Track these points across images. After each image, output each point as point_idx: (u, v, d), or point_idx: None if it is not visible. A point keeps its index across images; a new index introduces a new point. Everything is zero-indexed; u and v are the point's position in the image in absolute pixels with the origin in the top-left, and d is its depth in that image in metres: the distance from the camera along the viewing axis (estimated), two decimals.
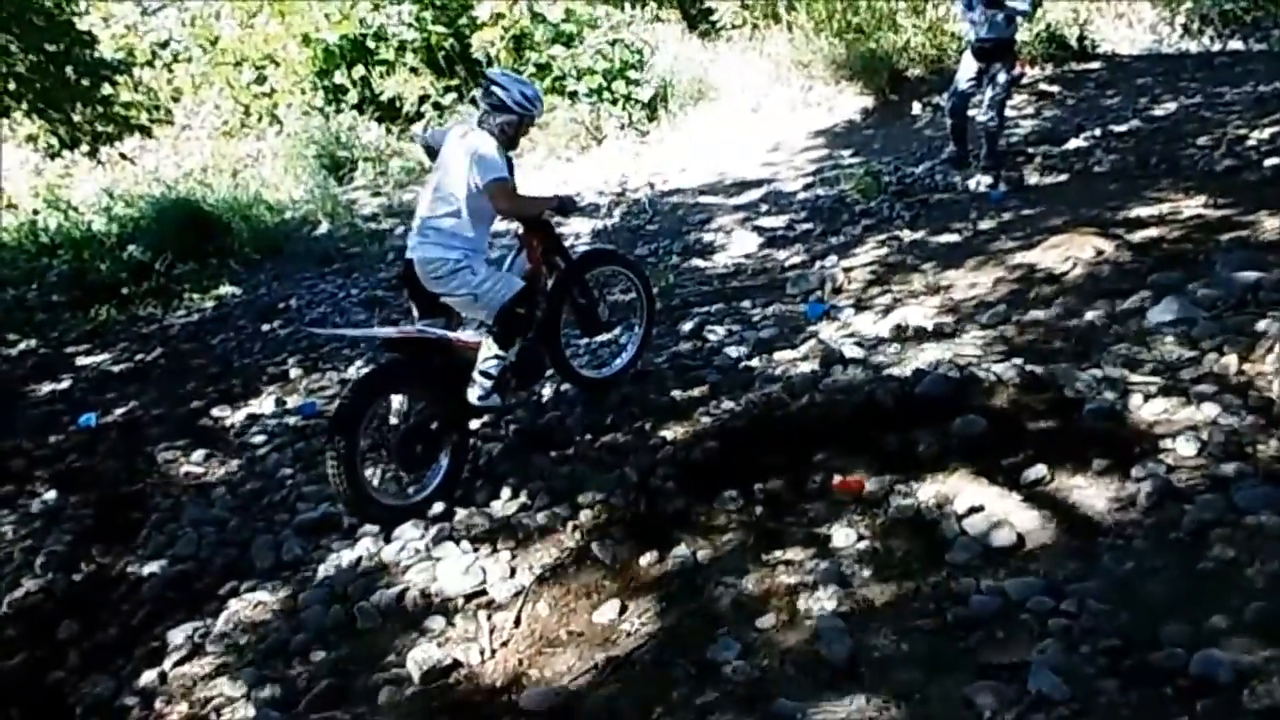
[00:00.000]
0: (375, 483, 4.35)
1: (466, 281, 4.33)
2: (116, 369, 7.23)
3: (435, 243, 4.36)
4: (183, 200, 10.53)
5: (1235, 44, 12.61)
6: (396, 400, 4.40)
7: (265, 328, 7.66)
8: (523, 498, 4.26)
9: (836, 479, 3.90)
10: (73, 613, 4.03)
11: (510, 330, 4.43)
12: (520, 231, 4.84)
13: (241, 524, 4.55)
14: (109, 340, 7.96)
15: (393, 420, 4.40)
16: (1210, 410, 3.80)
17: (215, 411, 6.09)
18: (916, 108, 11.73)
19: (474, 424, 4.84)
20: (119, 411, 6.31)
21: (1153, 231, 6.02)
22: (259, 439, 5.54)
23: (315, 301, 8.13)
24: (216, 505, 4.79)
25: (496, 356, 4.43)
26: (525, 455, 4.71)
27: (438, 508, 4.25)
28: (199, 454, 5.40)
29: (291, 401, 6.02)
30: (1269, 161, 7.07)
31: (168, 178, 12.07)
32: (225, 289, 8.90)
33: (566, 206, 4.87)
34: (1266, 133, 7.92)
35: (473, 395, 4.44)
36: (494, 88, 4.43)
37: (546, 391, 5.41)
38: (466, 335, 4.56)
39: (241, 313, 8.15)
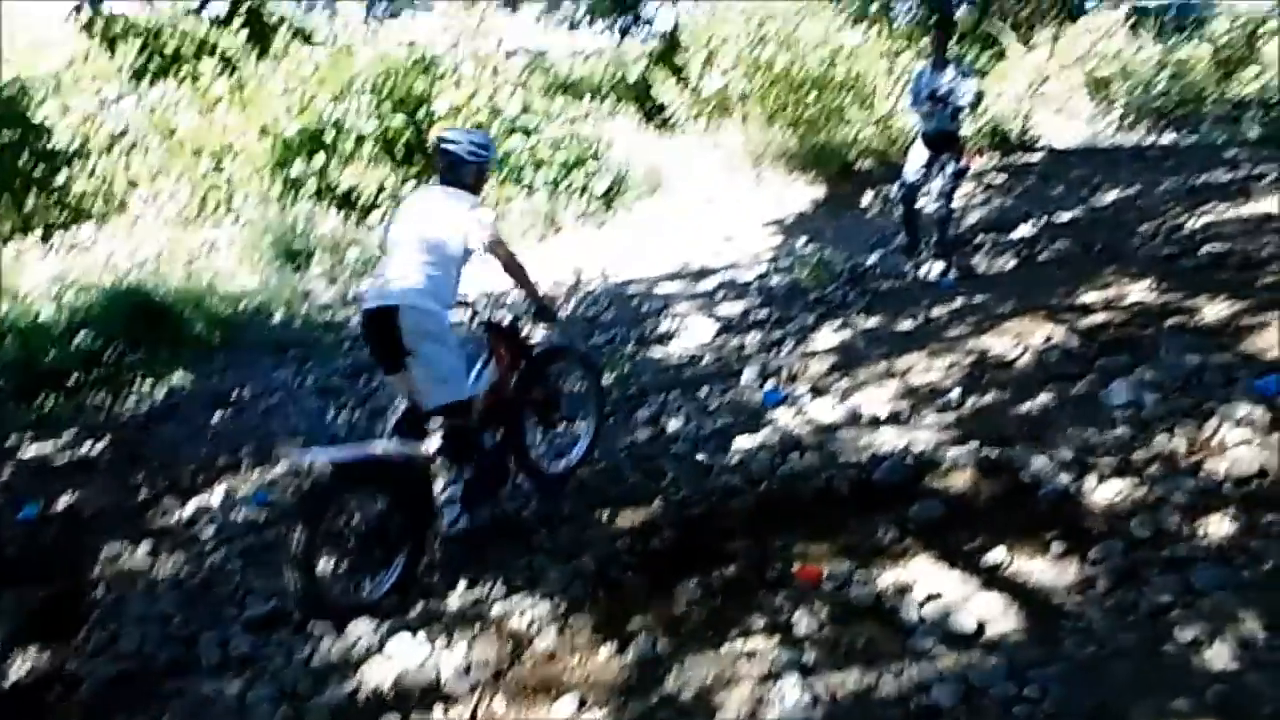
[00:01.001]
0: (328, 580, 4.23)
1: (440, 355, 4.24)
2: (61, 459, 7.05)
3: (424, 293, 4.23)
4: (135, 288, 10.41)
5: (1168, 137, 13.12)
6: (354, 501, 4.30)
7: (217, 418, 7.53)
8: (479, 589, 4.18)
9: (796, 567, 3.88)
10: (8, 715, 3.86)
11: (458, 442, 4.39)
12: (487, 339, 4.80)
13: (188, 619, 4.40)
14: (54, 430, 7.77)
15: (352, 518, 4.30)
16: (1162, 491, 3.85)
17: (164, 503, 5.94)
18: (867, 198, 12.01)
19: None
20: (62, 503, 6.14)
21: (1099, 316, 6.15)
22: (208, 531, 5.40)
23: (269, 390, 8.03)
24: (162, 600, 4.63)
25: (458, 479, 4.51)
26: (482, 546, 4.63)
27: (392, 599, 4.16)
28: (145, 547, 5.23)
29: (242, 493, 5.89)
30: (1205, 248, 7.29)
31: (121, 266, 11.96)
32: (177, 378, 8.75)
33: (544, 312, 4.84)
34: (1201, 221, 8.18)
35: (444, 526, 4.50)
36: (445, 145, 4.53)
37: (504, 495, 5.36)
38: (417, 449, 4.42)
39: (193, 402, 8.02)
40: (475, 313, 4.86)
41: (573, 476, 5.24)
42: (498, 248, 4.42)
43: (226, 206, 14.40)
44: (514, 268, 4.52)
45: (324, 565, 4.19)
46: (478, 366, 4.70)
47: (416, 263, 4.27)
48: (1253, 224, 7.77)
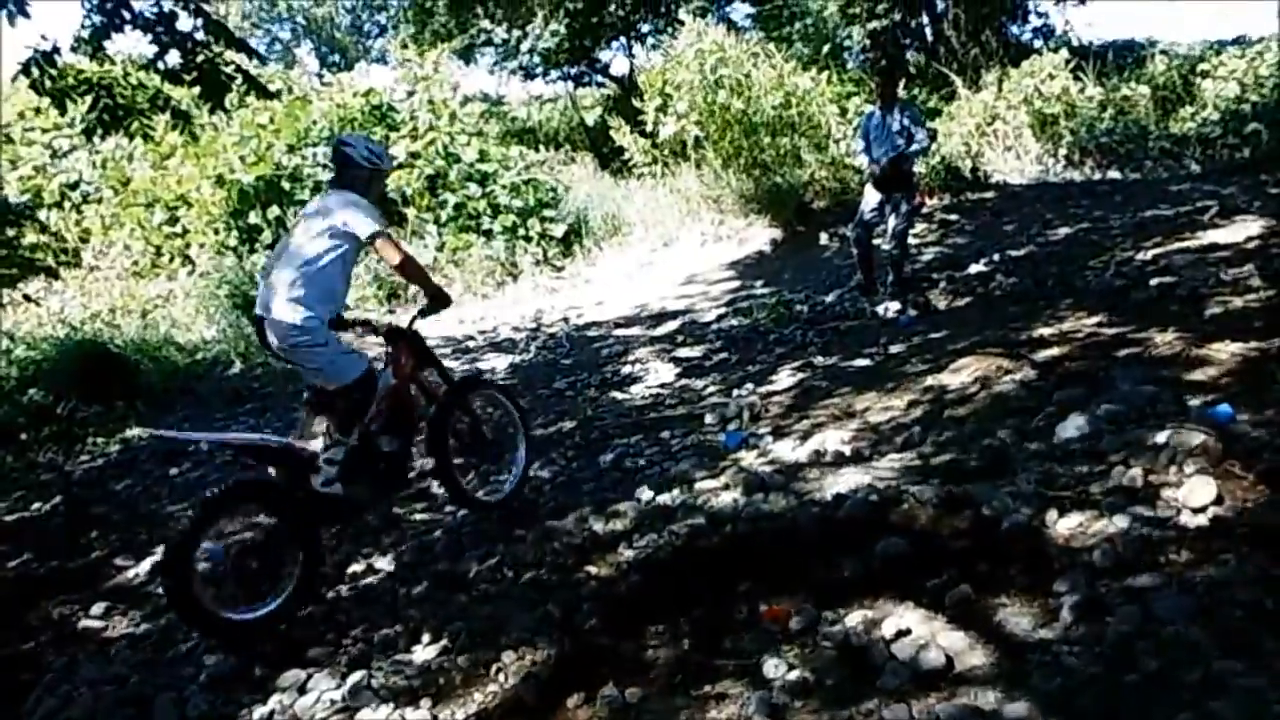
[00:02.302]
0: (218, 597, 4.36)
1: (317, 355, 4.54)
2: (11, 518, 6.89)
3: (291, 303, 4.47)
4: (88, 341, 10.29)
5: (1114, 173, 13.45)
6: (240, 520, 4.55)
7: (173, 471, 7.40)
8: (444, 641, 4.11)
9: (763, 608, 3.86)
10: None
11: (349, 414, 4.65)
12: (386, 344, 5.04)
13: (144, 681, 4.28)
14: (4, 488, 7.59)
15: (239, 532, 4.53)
16: (1122, 522, 3.88)
17: (118, 561, 5.80)
18: (824, 238, 12.16)
19: (384, 562, 4.89)
20: (11, 564, 5.98)
21: (1054, 350, 6.24)
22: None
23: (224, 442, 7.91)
24: (116, 662, 4.50)
25: (338, 443, 4.64)
26: (445, 597, 4.57)
27: (359, 641, 4.13)
28: (99, 607, 5.10)
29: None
30: (1154, 281, 7.44)
31: (74, 319, 11.80)
32: (132, 432, 8.61)
33: (439, 297, 4.97)
34: (1150, 254, 8.36)
35: (316, 481, 4.62)
36: (342, 147, 4.78)
37: (465, 533, 5.32)
38: (310, 445, 4.73)
39: (148, 457, 7.88)
40: (367, 323, 5.14)
41: (506, 503, 5.48)
42: (380, 238, 4.53)
43: (182, 258, 14.30)
44: (404, 260, 4.62)
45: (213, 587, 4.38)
46: (379, 366, 4.96)
47: (290, 270, 4.52)
48: (1198, 255, 7.96)
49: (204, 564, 4.38)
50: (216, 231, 14.14)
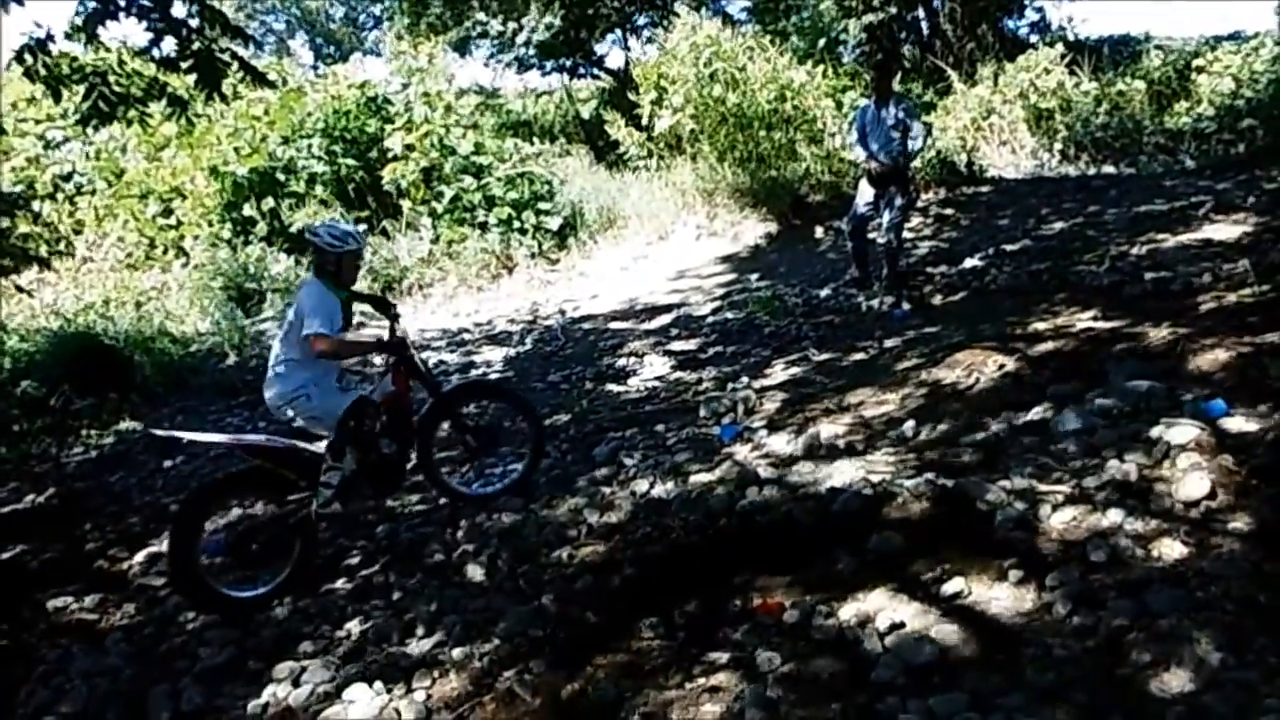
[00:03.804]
0: (218, 575, 4.74)
1: (307, 407, 4.91)
2: (4, 510, 6.87)
3: (279, 377, 4.94)
4: (82, 333, 10.26)
5: (1108, 168, 13.45)
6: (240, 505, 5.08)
7: (167, 464, 7.40)
8: (438, 634, 4.12)
9: (757, 601, 3.87)
10: None
11: (342, 441, 4.90)
12: (390, 359, 5.34)
13: (138, 673, 4.28)
14: None
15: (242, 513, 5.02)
16: (1116, 516, 3.89)
17: (112, 553, 5.80)
18: (819, 232, 12.15)
19: (378, 555, 4.91)
20: (5, 556, 5.97)
21: (1049, 345, 6.25)
22: (159, 580, 5.27)
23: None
24: (110, 654, 4.49)
25: (333, 467, 4.88)
26: (439, 590, 4.57)
27: (353, 634, 4.15)
28: (92, 599, 5.10)
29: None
30: (1148, 275, 7.45)
31: (67, 311, 11.77)
32: (126, 424, 8.60)
33: (392, 350, 5.27)
34: (1144, 249, 8.37)
35: (315, 504, 4.87)
36: (309, 237, 5.07)
37: (462, 525, 5.33)
38: (311, 446, 4.98)
39: (143, 449, 7.87)
40: (383, 301, 5.54)
41: (496, 499, 5.60)
42: (311, 339, 4.77)
43: (176, 249, 14.26)
44: (327, 350, 4.83)
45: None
46: (377, 379, 5.40)
47: (280, 348, 5.01)
48: (1192, 250, 7.97)
49: (207, 547, 4.73)
50: (210, 223, 14.11)
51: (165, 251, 14.42)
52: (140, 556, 5.68)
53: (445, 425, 5.74)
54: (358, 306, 5.44)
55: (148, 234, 14.58)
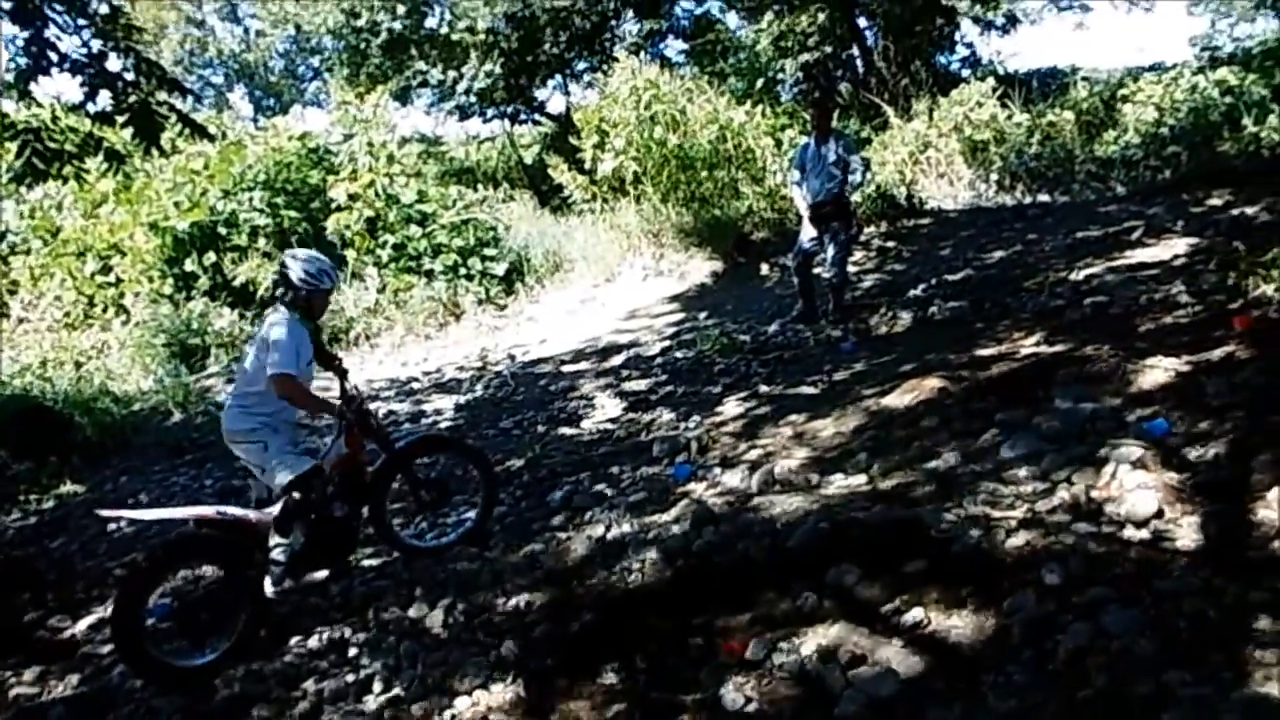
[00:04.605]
0: (166, 647, 4.57)
1: (259, 452, 4.80)
2: None
3: (239, 410, 4.85)
4: (19, 395, 10.01)
5: (1043, 196, 13.77)
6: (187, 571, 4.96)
7: (111, 526, 7.20)
8: (396, 689, 4.04)
9: (720, 641, 3.84)
10: None
11: (288, 515, 4.77)
12: (339, 416, 5.10)
13: None
14: None
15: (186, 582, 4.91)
16: (1068, 539, 3.94)
17: (53, 622, 5.61)
18: (764, 269, 12.27)
19: (333, 611, 4.74)
20: None
21: (995, 371, 6.34)
22: (104, 649, 5.11)
23: (167, 495, 7.73)
24: None
25: (279, 544, 4.78)
26: (395, 644, 4.48)
27: (309, 694, 4.07)
28: (32, 672, 4.92)
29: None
30: (1088, 300, 7.61)
31: (3, 373, 11.48)
32: (67, 487, 8.37)
33: (347, 417, 5.05)
34: (1082, 274, 8.56)
35: (268, 586, 4.77)
36: (283, 270, 4.90)
37: (414, 578, 5.25)
38: (260, 516, 4.85)
39: (85, 512, 7.65)
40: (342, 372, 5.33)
41: (450, 549, 5.53)
42: (275, 379, 4.68)
43: (116, 307, 14.01)
44: (290, 396, 4.75)
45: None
46: (330, 440, 5.15)
47: (239, 381, 4.96)
48: (1128, 274, 8.16)
49: (153, 616, 4.59)
50: (151, 280, 13.88)
51: (105, 310, 14.15)
52: (83, 625, 5.50)
53: (397, 480, 5.64)
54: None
55: (86, 292, 14.30)
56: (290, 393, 4.71)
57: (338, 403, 5.11)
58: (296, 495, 4.76)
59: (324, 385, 5.44)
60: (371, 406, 5.61)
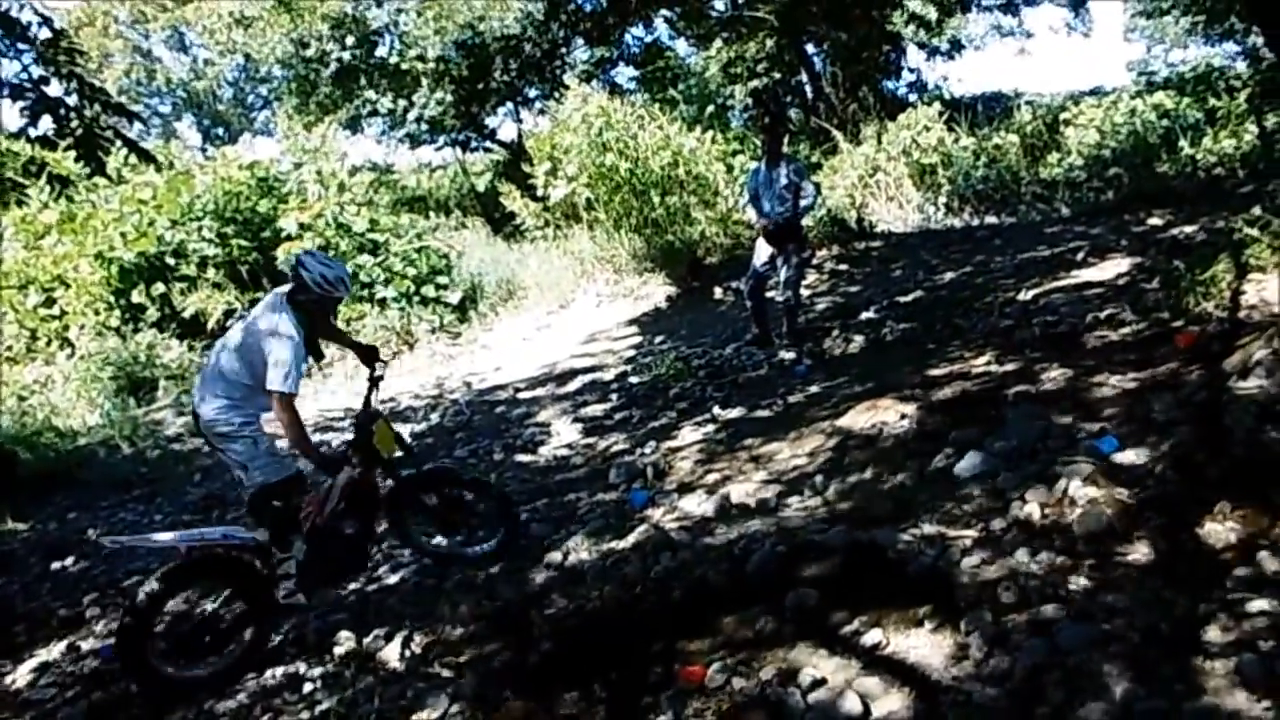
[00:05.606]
0: (171, 663, 4.50)
1: (244, 451, 4.63)
2: None
3: (226, 404, 4.61)
4: None
5: (990, 218, 14.00)
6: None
7: (56, 565, 7.01)
8: None
9: (679, 667, 3.83)
10: None
11: (277, 529, 4.69)
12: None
13: None
14: None
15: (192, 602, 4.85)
16: (1022, 557, 3.98)
17: None
18: (718, 293, 12.32)
19: (287, 647, 4.64)
20: None
21: (948, 391, 6.41)
22: (49, 692, 4.96)
23: (114, 531, 7.55)
24: None
25: (282, 559, 4.72)
26: (351, 679, 4.41)
27: None
28: None
29: (87, 645, 5.46)
30: (1036, 320, 7.73)
31: None
32: (8, 525, 8.16)
33: (324, 467, 4.89)
34: (1030, 294, 8.69)
35: (280, 596, 4.74)
36: (299, 267, 4.67)
37: (370, 610, 5.17)
38: (262, 536, 4.75)
39: (28, 551, 7.46)
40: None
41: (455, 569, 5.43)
42: (278, 398, 4.51)
43: (60, 340, 13.73)
44: (288, 424, 4.57)
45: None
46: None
47: (225, 369, 4.65)
48: (1075, 294, 8.30)
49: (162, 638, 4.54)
50: (97, 312, 13.63)
51: (49, 343, 13.86)
52: (26, 668, 5.34)
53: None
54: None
55: (29, 325, 14.00)
56: (288, 418, 4.53)
57: (323, 450, 5.10)
58: (277, 503, 4.68)
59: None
60: (328, 437, 5.51)
